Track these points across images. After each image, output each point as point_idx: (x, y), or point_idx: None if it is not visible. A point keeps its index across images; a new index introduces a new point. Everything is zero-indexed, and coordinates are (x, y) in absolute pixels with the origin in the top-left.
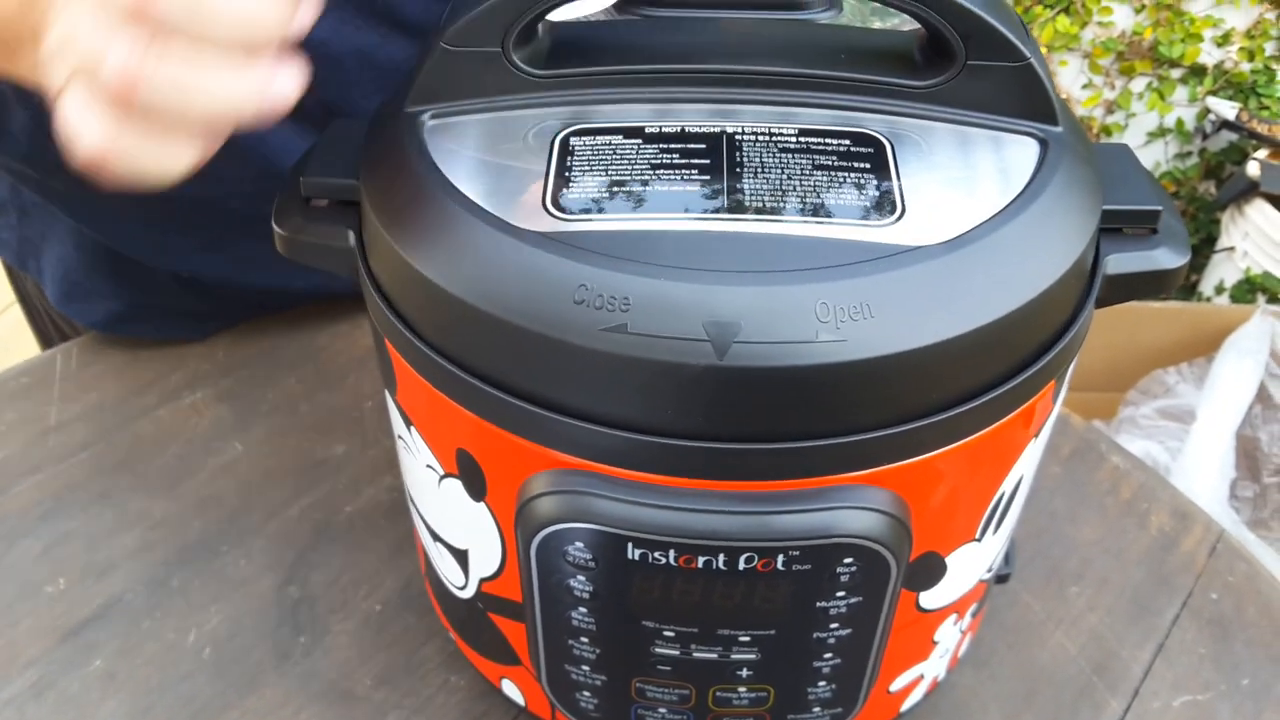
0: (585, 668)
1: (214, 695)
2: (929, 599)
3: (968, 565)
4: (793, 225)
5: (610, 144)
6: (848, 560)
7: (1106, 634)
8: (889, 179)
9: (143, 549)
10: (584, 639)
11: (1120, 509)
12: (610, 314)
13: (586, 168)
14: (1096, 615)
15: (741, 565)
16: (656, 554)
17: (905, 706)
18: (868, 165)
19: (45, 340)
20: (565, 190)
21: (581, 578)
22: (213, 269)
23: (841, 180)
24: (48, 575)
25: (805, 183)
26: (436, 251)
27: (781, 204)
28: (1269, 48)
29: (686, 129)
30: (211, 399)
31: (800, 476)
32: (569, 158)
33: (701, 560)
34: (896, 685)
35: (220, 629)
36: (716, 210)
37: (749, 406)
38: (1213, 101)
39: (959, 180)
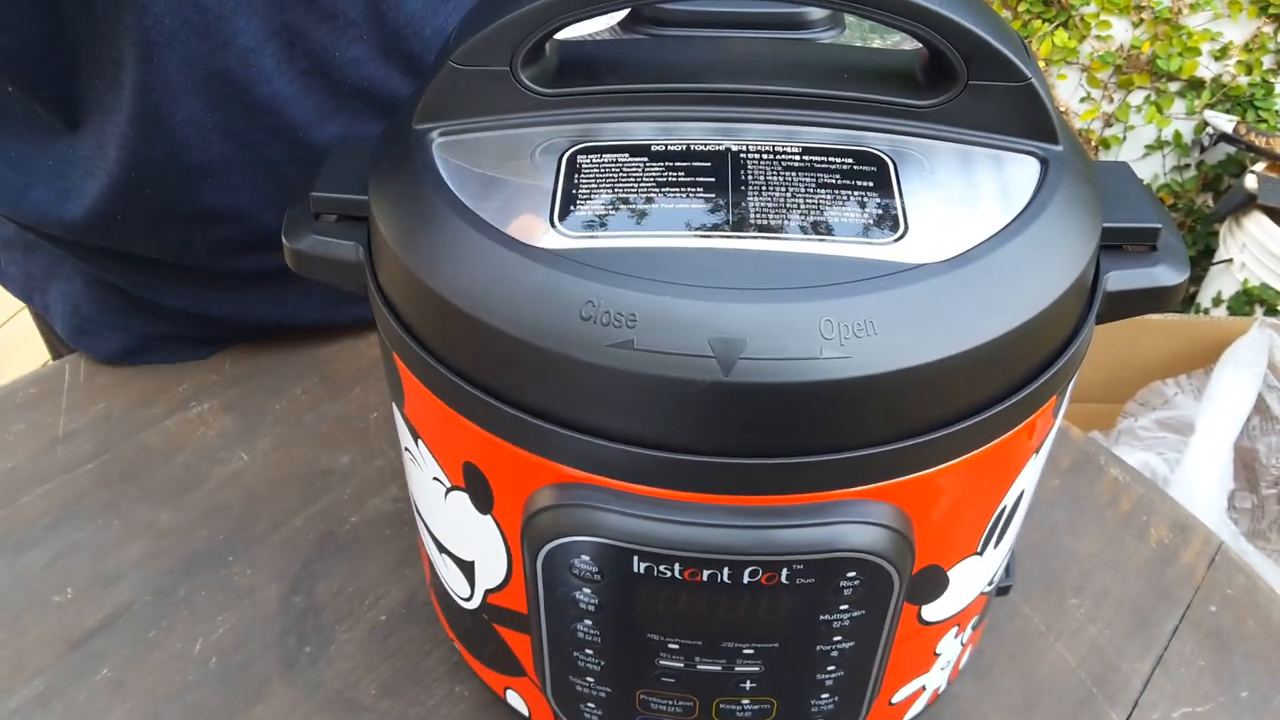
0: (590, 679)
1: (220, 705)
2: (931, 612)
3: (970, 578)
4: (797, 243)
5: (616, 162)
6: (851, 574)
7: (1106, 646)
8: (892, 197)
9: (149, 559)
10: (589, 651)
11: (1120, 521)
12: (617, 330)
13: (593, 185)
14: (1096, 627)
15: (746, 579)
16: (661, 567)
17: (907, 718)
18: (871, 184)
19: (55, 351)
20: (572, 208)
21: (587, 590)
22: (221, 307)
23: (845, 198)
24: (55, 585)
25: (809, 200)
26: (445, 267)
27: (785, 221)
28: (1266, 61)
29: (691, 147)
30: (218, 410)
31: (804, 491)
32: (576, 175)
33: (706, 574)
34: (898, 697)
35: (226, 638)
36: (721, 227)
37: (754, 422)
38: (1210, 115)
39: (961, 199)
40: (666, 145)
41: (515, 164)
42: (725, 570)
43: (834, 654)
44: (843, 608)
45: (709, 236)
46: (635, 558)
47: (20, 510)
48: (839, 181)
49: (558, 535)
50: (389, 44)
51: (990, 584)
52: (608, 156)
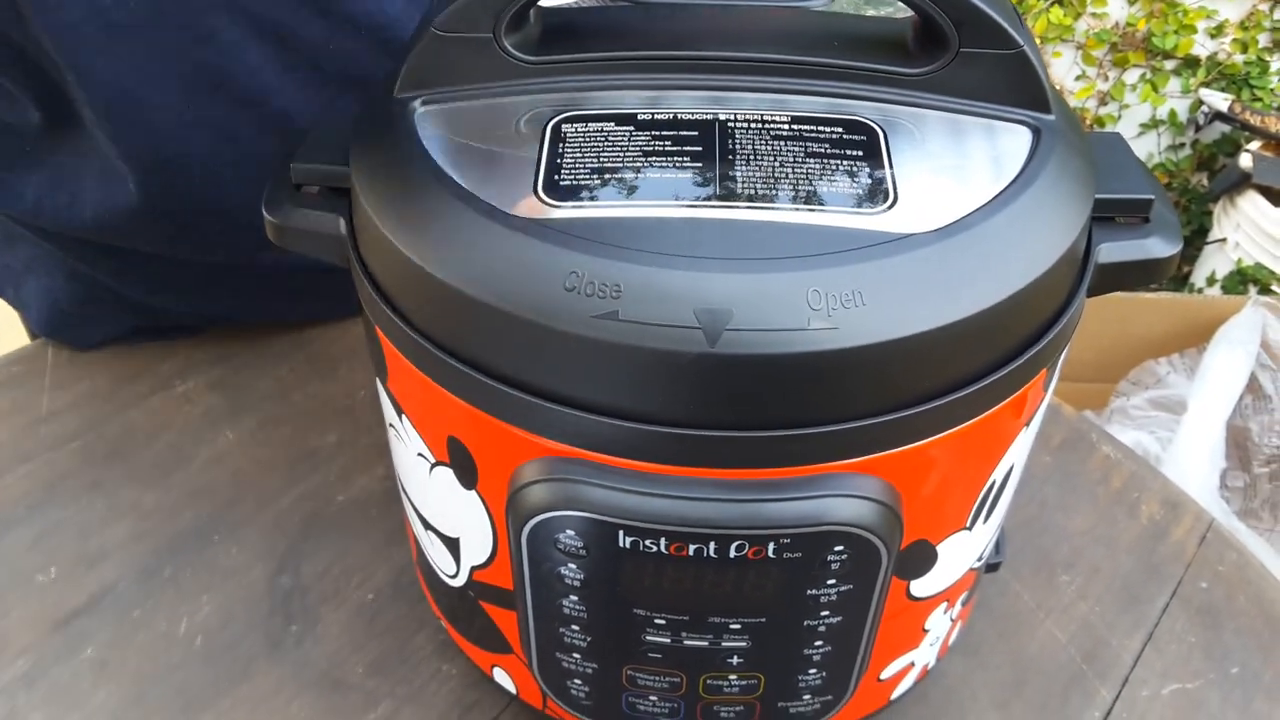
0: (576, 656)
1: (206, 684)
2: (920, 587)
3: (959, 553)
4: (785, 213)
5: (602, 131)
6: (838, 548)
7: (1096, 623)
8: (881, 167)
9: (134, 538)
10: (575, 627)
11: (1111, 498)
12: (602, 301)
13: (578, 154)
14: (1087, 604)
15: (732, 553)
16: (647, 541)
17: (895, 694)
18: (860, 153)
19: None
20: (556, 177)
21: (572, 565)
22: (210, 308)
23: (834, 168)
24: (39, 564)
25: (797, 170)
26: (427, 238)
27: (773, 191)
28: (1262, 39)
29: (679, 116)
30: (203, 388)
31: (792, 464)
32: (560, 144)
33: (692, 548)
34: (887, 673)
35: (212, 618)
36: (708, 198)
37: (740, 394)
38: (1205, 93)
39: (951, 168)
40: (653, 114)
41: (499, 133)
42: (711, 544)
43: (821, 629)
44: (830, 582)
45: (695, 207)
46: (621, 532)
47: (3, 489)
48: (828, 151)
49: (542, 510)
50: (383, 35)
51: (980, 560)
52: (593, 125)
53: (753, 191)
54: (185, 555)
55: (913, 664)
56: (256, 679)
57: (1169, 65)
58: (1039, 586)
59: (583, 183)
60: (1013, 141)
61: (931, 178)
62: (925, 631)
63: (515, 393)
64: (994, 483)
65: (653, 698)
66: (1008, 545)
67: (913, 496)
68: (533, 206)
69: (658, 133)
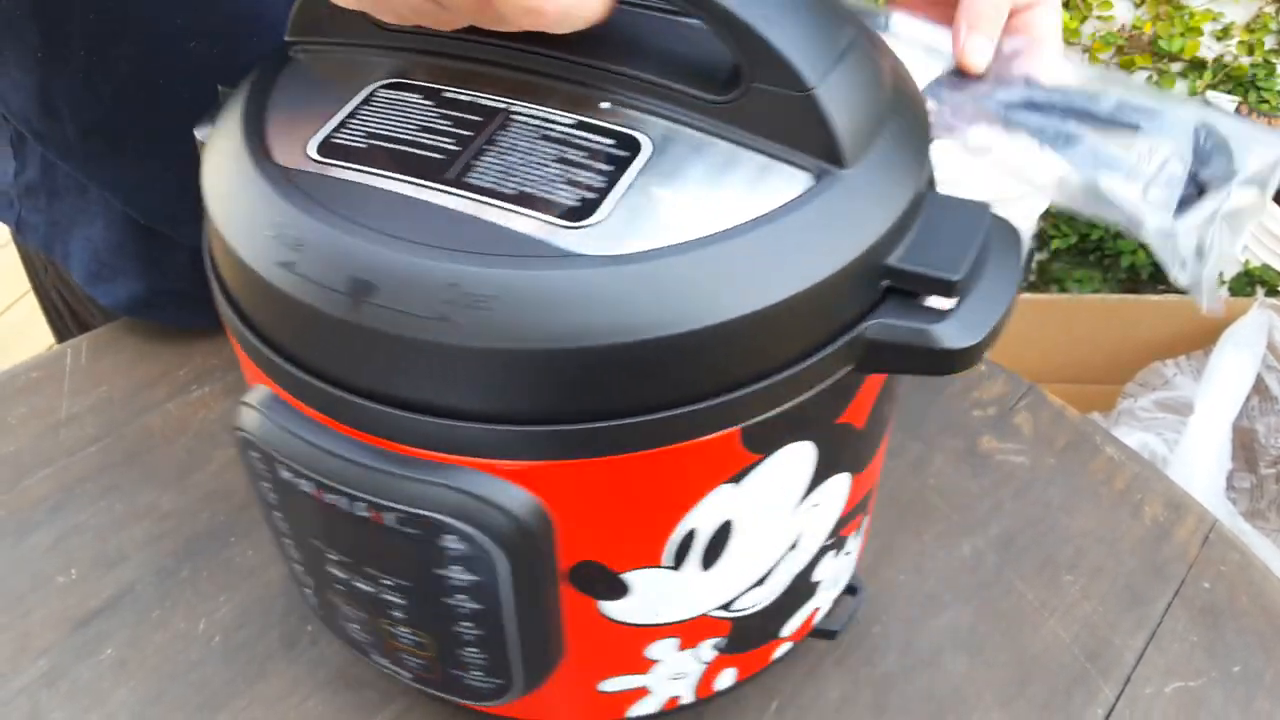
0: (300, 569)
1: (223, 683)
2: (617, 610)
3: (666, 591)
4: (487, 208)
5: (405, 100)
6: (450, 537)
7: (1100, 622)
8: (615, 183)
9: (152, 540)
10: (288, 542)
11: (1114, 499)
12: (288, 250)
13: (369, 119)
14: (1090, 603)
15: (358, 511)
16: (301, 482)
17: (631, 712)
18: (610, 167)
19: (60, 334)
20: (335, 137)
21: (265, 485)
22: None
23: (567, 176)
24: (59, 566)
25: (535, 172)
26: (216, 176)
27: (497, 186)
28: (1269, 41)
29: (476, 101)
30: (219, 393)
31: (421, 447)
32: (364, 108)
33: (328, 497)
34: (608, 687)
35: (229, 618)
36: (441, 180)
37: (377, 362)
38: (1212, 95)
39: (691, 200)
40: (458, 95)
41: (335, 89)
42: (342, 499)
43: (463, 610)
44: (454, 568)
45: (422, 186)
46: (280, 466)
47: (24, 493)
48: (580, 159)
49: (239, 428)
50: None
51: (728, 609)
52: (403, 94)
53: (477, 183)
54: (202, 556)
55: (648, 690)
56: (273, 677)
57: (1175, 68)
58: (1043, 586)
59: (351, 144)
60: (781, 186)
61: (663, 205)
62: (652, 660)
63: (244, 330)
64: (696, 530)
65: (355, 627)
66: (1010, 547)
67: (566, 513)
68: (296, 159)
69: (446, 111)
